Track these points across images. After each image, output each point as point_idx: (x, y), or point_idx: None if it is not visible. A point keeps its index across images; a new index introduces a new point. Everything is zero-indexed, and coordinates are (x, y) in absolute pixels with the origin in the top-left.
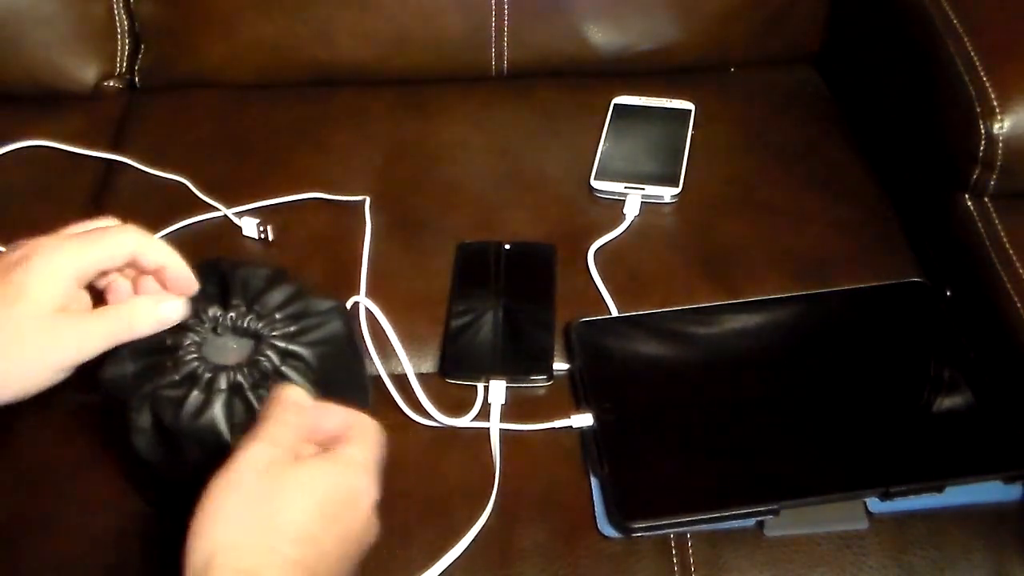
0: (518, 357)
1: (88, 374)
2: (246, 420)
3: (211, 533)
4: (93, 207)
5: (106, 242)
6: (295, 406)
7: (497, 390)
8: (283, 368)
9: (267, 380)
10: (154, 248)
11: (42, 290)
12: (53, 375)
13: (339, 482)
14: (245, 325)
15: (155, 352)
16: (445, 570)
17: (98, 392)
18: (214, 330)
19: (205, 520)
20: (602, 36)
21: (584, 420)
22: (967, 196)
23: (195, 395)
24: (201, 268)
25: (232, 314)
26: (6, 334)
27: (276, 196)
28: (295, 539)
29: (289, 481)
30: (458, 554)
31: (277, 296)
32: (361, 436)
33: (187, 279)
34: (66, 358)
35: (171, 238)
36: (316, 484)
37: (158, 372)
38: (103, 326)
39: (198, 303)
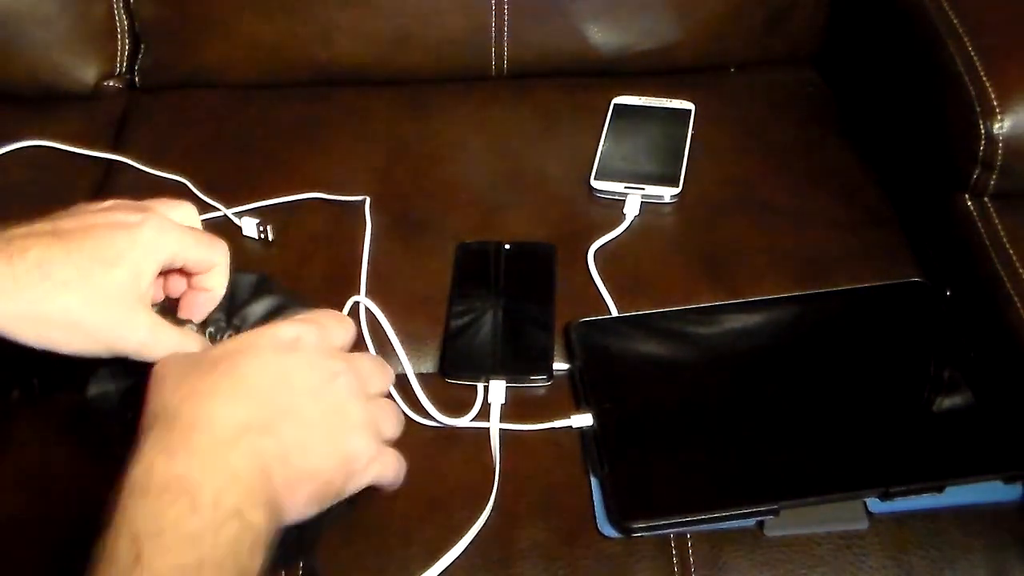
0: (518, 357)
1: (85, 373)
2: None
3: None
4: None
5: (207, 248)
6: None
7: (497, 390)
8: None
9: None
10: (223, 274)
11: (141, 265)
12: (101, 350)
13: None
14: (223, 340)
15: (135, 370)
16: (445, 570)
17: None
18: None
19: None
20: (602, 36)
21: (584, 420)
22: (967, 196)
23: None
24: None
25: (211, 329)
26: (95, 292)
27: (276, 196)
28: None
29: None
30: (458, 554)
31: (258, 308)
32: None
33: (208, 308)
34: (124, 346)
35: None
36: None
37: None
38: (171, 343)
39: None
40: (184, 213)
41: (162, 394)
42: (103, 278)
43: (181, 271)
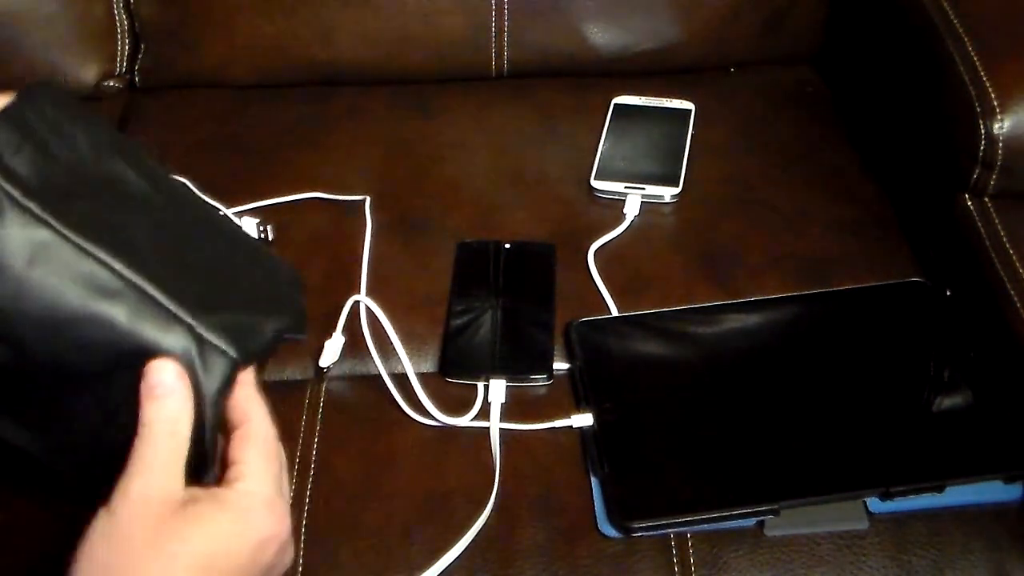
0: (518, 356)
1: None
2: None
3: None
4: None
5: None
6: (175, 425)
7: (497, 389)
8: None
9: None
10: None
11: None
12: None
13: (235, 534)
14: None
15: None
16: (445, 570)
17: None
18: None
19: None
20: (602, 36)
21: (584, 420)
22: (967, 196)
23: None
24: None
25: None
26: None
27: (276, 196)
28: None
29: (176, 537)
30: (458, 554)
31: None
32: (256, 459)
33: None
34: None
35: None
36: (207, 542)
37: None
38: None
39: None
40: None
41: None
42: None
43: None
